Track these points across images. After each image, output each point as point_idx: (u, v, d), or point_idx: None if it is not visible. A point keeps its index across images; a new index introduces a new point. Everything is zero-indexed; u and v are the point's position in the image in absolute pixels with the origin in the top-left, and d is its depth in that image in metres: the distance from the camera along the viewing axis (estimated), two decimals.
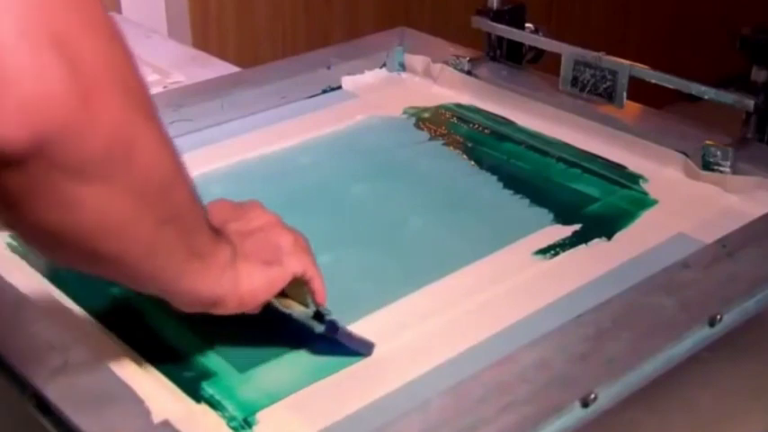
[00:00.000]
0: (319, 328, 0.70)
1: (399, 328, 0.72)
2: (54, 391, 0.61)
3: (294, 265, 0.66)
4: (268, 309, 0.68)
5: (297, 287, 0.69)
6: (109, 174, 0.45)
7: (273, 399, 0.65)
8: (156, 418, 0.60)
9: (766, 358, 0.81)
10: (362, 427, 0.62)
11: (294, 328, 0.70)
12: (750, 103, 0.91)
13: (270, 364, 0.68)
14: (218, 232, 0.60)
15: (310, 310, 0.70)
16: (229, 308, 0.63)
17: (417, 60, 1.17)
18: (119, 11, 1.78)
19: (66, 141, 0.42)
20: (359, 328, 0.72)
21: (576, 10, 2.28)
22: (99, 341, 0.68)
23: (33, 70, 0.40)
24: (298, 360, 0.69)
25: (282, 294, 0.69)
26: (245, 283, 0.62)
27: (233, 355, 0.69)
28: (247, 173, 0.96)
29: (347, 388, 0.66)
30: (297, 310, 0.70)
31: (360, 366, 0.69)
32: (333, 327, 0.70)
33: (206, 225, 0.59)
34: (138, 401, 0.61)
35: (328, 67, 1.14)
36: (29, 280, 0.76)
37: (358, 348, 0.70)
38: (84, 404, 0.61)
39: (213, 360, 0.68)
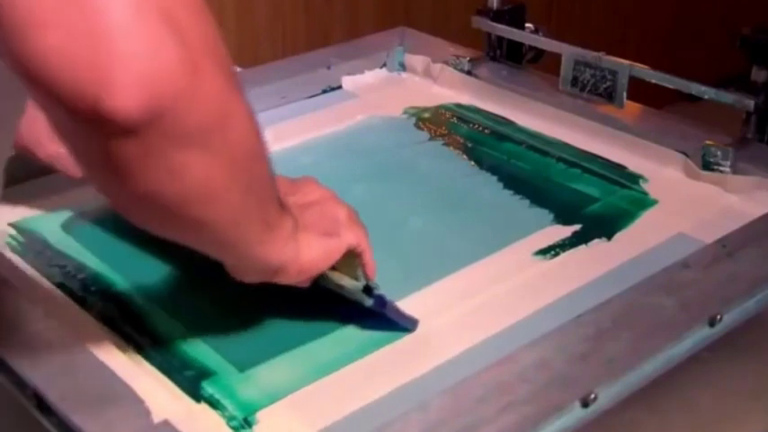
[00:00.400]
0: (368, 301, 0.72)
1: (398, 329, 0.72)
2: (54, 391, 0.62)
3: (350, 237, 0.69)
4: (318, 283, 0.70)
5: (348, 261, 0.70)
6: (210, 142, 0.48)
7: (273, 398, 0.65)
8: (156, 417, 0.60)
9: (766, 358, 0.81)
10: (362, 426, 0.62)
11: (342, 303, 0.72)
12: (750, 103, 0.91)
13: (270, 363, 0.69)
14: (282, 204, 0.62)
15: (360, 284, 0.71)
16: (290, 276, 0.65)
17: (417, 60, 1.17)
18: None
19: (178, 111, 0.44)
20: (356, 326, 0.72)
21: (576, 10, 2.28)
22: (99, 341, 0.68)
23: (149, 45, 0.42)
24: (297, 359, 0.69)
25: (333, 268, 0.70)
26: (305, 253, 0.65)
27: (233, 354, 0.69)
28: None
29: (347, 387, 0.66)
30: (348, 283, 0.71)
31: (359, 365, 0.69)
32: (381, 301, 0.72)
33: (277, 197, 0.61)
34: (137, 401, 0.61)
35: (328, 67, 1.14)
36: (29, 280, 0.76)
37: (404, 323, 0.72)
38: (84, 404, 0.61)
39: (213, 359, 0.68)
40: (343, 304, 0.72)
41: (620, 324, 0.68)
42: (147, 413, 0.60)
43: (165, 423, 0.60)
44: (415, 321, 0.72)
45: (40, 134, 0.77)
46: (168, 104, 0.44)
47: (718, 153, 0.91)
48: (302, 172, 0.95)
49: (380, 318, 0.72)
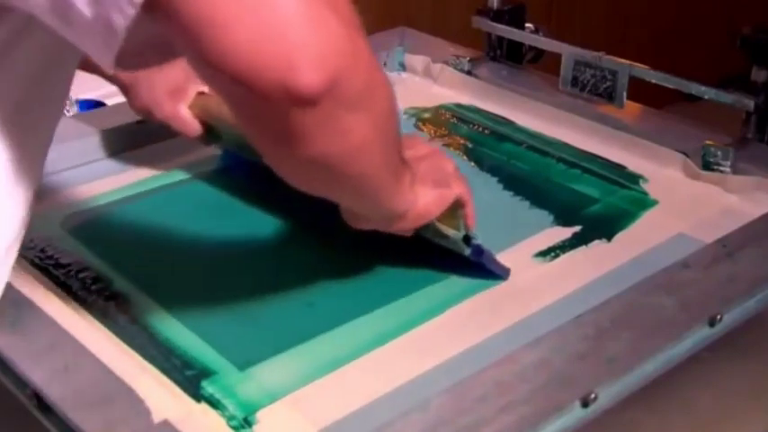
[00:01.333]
0: (467, 250, 0.77)
1: (399, 327, 0.72)
2: (54, 391, 0.62)
3: (459, 187, 0.75)
4: (419, 234, 0.76)
5: (451, 212, 0.75)
6: (367, 104, 0.55)
7: (273, 397, 0.65)
8: (156, 417, 0.60)
9: (766, 358, 0.82)
10: (363, 425, 0.62)
11: (441, 252, 0.78)
12: (750, 103, 0.91)
13: (269, 361, 0.69)
14: (403, 158, 0.68)
15: (461, 234, 0.76)
16: (407, 222, 0.72)
17: (417, 60, 1.17)
18: None
19: (347, 80, 0.51)
20: (361, 324, 0.73)
21: (576, 10, 2.28)
22: (99, 341, 0.68)
23: (322, 29, 0.49)
24: (297, 357, 0.69)
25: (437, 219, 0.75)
26: (421, 201, 0.71)
27: (233, 353, 0.69)
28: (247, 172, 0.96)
29: (347, 386, 0.66)
30: (450, 232, 0.76)
31: (359, 365, 0.69)
32: (479, 250, 0.77)
33: (401, 151, 0.67)
34: (138, 401, 0.61)
35: None
36: (29, 280, 0.76)
37: (499, 272, 0.78)
38: (84, 404, 0.61)
39: (213, 358, 0.69)
40: (438, 254, 0.78)
41: (619, 324, 0.68)
42: (147, 413, 0.60)
43: (165, 423, 0.60)
44: (508, 270, 0.78)
45: (159, 97, 0.87)
46: (340, 76, 0.50)
47: (719, 153, 0.91)
48: None
49: (476, 266, 0.77)
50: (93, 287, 0.76)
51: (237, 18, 0.47)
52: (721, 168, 0.91)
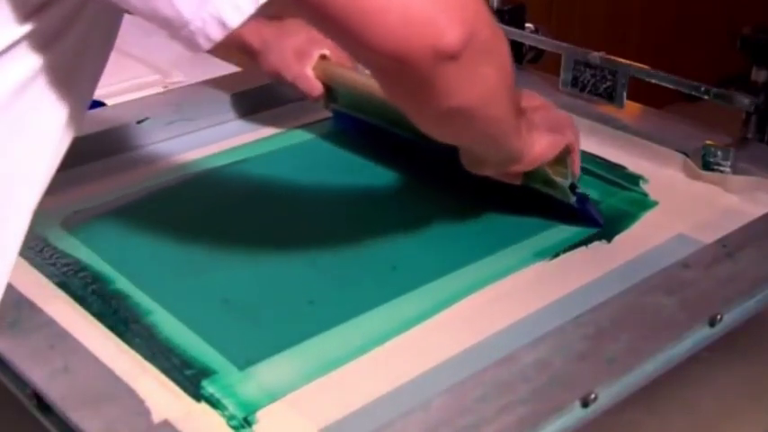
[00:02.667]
0: (572, 198, 0.83)
1: (400, 327, 0.72)
2: (54, 391, 0.62)
3: (570, 135, 0.82)
4: (527, 182, 0.84)
5: (559, 160, 0.81)
6: (495, 55, 0.63)
7: (273, 397, 0.65)
8: (156, 417, 0.60)
9: (766, 358, 0.81)
10: (363, 425, 0.62)
11: (545, 199, 0.85)
12: (750, 103, 0.91)
13: (269, 360, 0.68)
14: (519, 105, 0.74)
15: (567, 181, 0.83)
16: (523, 164, 0.79)
17: None
18: None
19: (479, 32, 0.59)
20: (359, 324, 0.73)
21: (576, 10, 2.28)
22: (99, 341, 0.68)
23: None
24: (297, 356, 0.69)
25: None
26: (536, 144, 0.78)
27: (233, 352, 0.69)
28: (249, 171, 0.96)
29: (348, 385, 0.66)
30: (559, 180, 0.83)
31: (360, 364, 0.68)
32: (584, 198, 0.83)
33: (519, 99, 0.74)
34: (138, 401, 0.61)
35: None
36: (29, 280, 0.76)
37: (599, 219, 0.85)
38: (84, 404, 0.61)
39: (213, 357, 0.68)
40: (544, 201, 0.85)
41: (619, 324, 0.68)
42: (147, 413, 0.60)
43: (165, 423, 0.60)
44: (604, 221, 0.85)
45: (288, 59, 0.96)
46: (474, 29, 0.59)
47: (719, 153, 0.91)
48: (307, 167, 0.97)
49: (580, 212, 0.84)
50: (93, 287, 0.76)
51: (384, 3, 0.54)
52: (721, 168, 0.91)
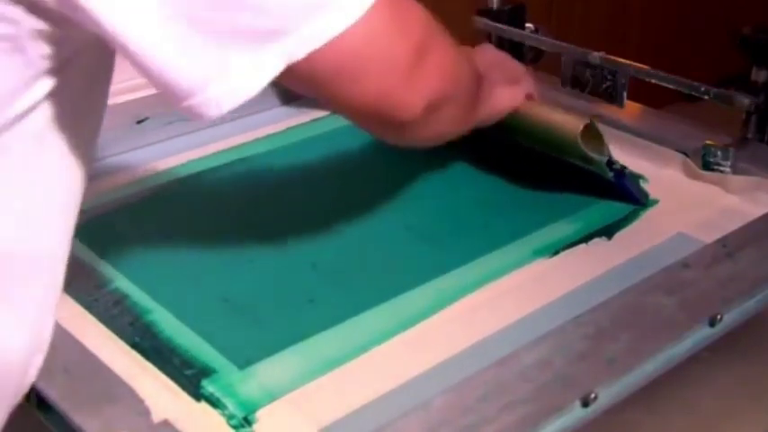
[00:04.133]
0: (609, 174, 0.85)
1: (399, 325, 0.72)
2: (54, 391, 0.62)
3: (527, 84, 0.89)
4: (564, 160, 0.87)
5: (594, 139, 0.85)
6: (454, 101, 0.73)
7: (273, 396, 0.65)
8: (156, 417, 0.60)
9: (766, 358, 0.81)
10: (364, 425, 0.62)
11: (585, 176, 0.88)
12: (750, 103, 0.91)
13: (269, 359, 0.68)
14: (479, 76, 0.80)
15: (604, 158, 0.85)
16: (489, 121, 0.85)
17: None
18: None
19: (440, 98, 0.69)
20: (359, 323, 0.72)
21: (576, 10, 2.28)
22: (99, 340, 0.68)
23: (426, 80, 0.66)
24: (297, 355, 0.69)
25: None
26: (496, 100, 0.84)
27: (232, 352, 0.69)
28: (248, 170, 0.96)
29: (348, 384, 0.66)
30: (596, 156, 0.85)
31: (360, 363, 0.69)
32: (621, 173, 0.86)
33: (476, 85, 0.79)
34: (138, 401, 0.61)
35: None
36: None
37: (638, 195, 0.87)
38: (84, 403, 0.61)
39: (212, 357, 0.69)
40: (585, 177, 0.88)
41: (620, 324, 0.68)
42: (146, 413, 0.60)
43: (165, 423, 0.60)
44: (647, 195, 0.88)
45: None
46: (432, 103, 0.68)
47: (719, 153, 0.91)
48: (308, 165, 0.97)
49: (619, 188, 0.86)
50: (93, 286, 0.76)
51: (368, 76, 0.62)
52: (721, 168, 0.91)
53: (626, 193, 0.88)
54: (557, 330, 0.67)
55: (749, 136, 0.94)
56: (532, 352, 0.65)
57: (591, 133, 0.86)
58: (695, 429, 0.76)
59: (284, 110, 1.09)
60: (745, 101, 0.91)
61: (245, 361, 0.68)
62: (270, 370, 0.68)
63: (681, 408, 0.76)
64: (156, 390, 0.63)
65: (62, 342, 0.66)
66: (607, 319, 0.68)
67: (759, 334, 0.80)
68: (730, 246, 0.77)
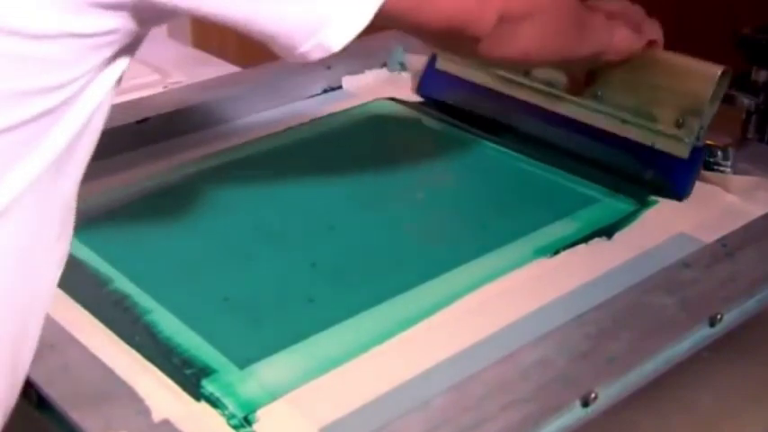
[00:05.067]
0: (691, 141, 0.87)
1: (400, 325, 0.72)
2: (54, 390, 0.61)
3: (650, 29, 0.90)
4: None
5: (716, 96, 0.86)
6: (529, 19, 0.74)
7: (274, 395, 0.65)
8: (157, 416, 0.60)
9: (766, 359, 0.81)
10: (365, 424, 0.61)
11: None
12: (750, 102, 0.91)
13: (270, 359, 0.68)
14: (590, 10, 0.84)
15: (705, 121, 0.87)
16: (611, 54, 0.87)
17: (418, 60, 1.16)
18: None
19: (507, 13, 0.71)
20: (359, 323, 0.72)
21: None
22: (99, 340, 0.68)
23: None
24: (298, 355, 0.69)
25: None
26: (617, 37, 0.86)
27: (232, 351, 0.69)
28: (249, 169, 0.97)
29: (349, 384, 0.66)
30: (683, 134, 0.87)
31: (360, 363, 0.68)
32: (700, 152, 0.88)
33: (580, 12, 0.82)
34: (138, 400, 0.61)
35: (328, 67, 1.13)
36: None
37: (686, 183, 0.89)
38: (84, 402, 0.61)
39: (213, 356, 0.68)
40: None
41: (620, 323, 0.68)
42: (147, 412, 0.60)
43: (166, 422, 0.59)
44: (690, 191, 0.89)
45: None
46: (504, 12, 0.70)
47: (719, 153, 0.91)
48: (311, 154, 0.99)
49: (665, 167, 0.89)
50: (93, 286, 0.76)
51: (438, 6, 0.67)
52: (721, 168, 0.91)
53: (677, 174, 0.89)
54: (557, 330, 0.67)
55: (749, 136, 0.94)
56: (533, 351, 0.65)
57: (721, 85, 0.87)
58: (695, 429, 0.76)
59: (280, 110, 1.09)
60: (745, 101, 0.91)
61: (245, 360, 0.68)
62: (270, 369, 0.67)
63: (681, 408, 0.76)
64: (156, 389, 0.63)
65: (62, 341, 0.66)
66: (608, 318, 0.69)
67: (759, 334, 0.79)
68: (730, 246, 0.77)
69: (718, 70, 0.87)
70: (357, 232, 0.85)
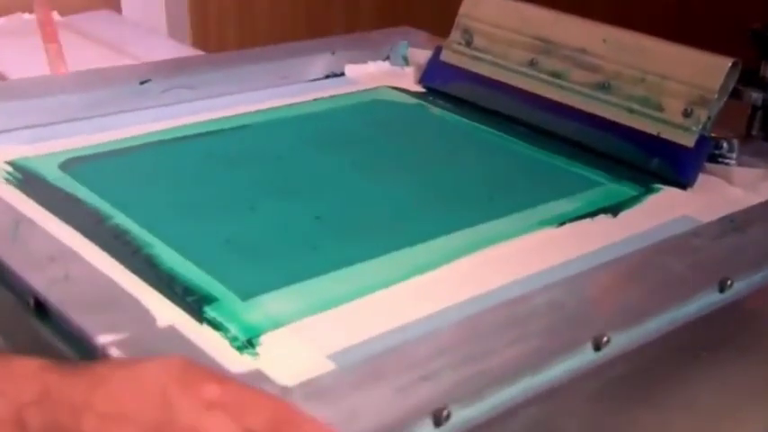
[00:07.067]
0: (698, 130, 0.86)
1: (404, 274, 0.71)
2: (55, 295, 0.59)
3: None
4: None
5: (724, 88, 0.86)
6: None
7: (278, 323, 0.63)
8: (162, 323, 0.58)
9: (766, 357, 0.81)
10: (370, 351, 0.60)
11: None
12: (758, 97, 0.91)
13: (273, 293, 0.67)
14: None
15: (712, 113, 0.86)
16: None
17: (421, 55, 1.16)
18: (119, 10, 1.78)
19: None
20: (363, 268, 0.71)
21: (576, 10, 2.29)
22: (100, 260, 0.66)
23: None
24: (302, 292, 0.68)
25: None
26: None
27: (235, 284, 0.67)
28: (258, 132, 0.96)
29: (354, 319, 0.65)
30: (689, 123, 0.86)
31: (366, 302, 0.67)
32: (706, 141, 0.87)
33: None
34: (142, 309, 0.59)
35: (333, 53, 1.13)
36: (29, 207, 0.74)
37: (691, 172, 0.88)
38: (85, 309, 0.58)
39: (214, 287, 0.66)
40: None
41: (632, 277, 0.67)
42: (152, 319, 0.58)
43: (171, 328, 0.58)
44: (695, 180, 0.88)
45: None
46: None
47: (724, 145, 0.91)
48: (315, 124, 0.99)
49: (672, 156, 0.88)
50: (92, 221, 0.75)
51: None
52: (726, 161, 0.91)
53: (682, 162, 0.88)
54: (569, 278, 0.66)
55: (754, 133, 0.94)
56: (545, 294, 0.64)
57: (731, 77, 0.87)
58: (696, 427, 0.75)
59: (283, 90, 1.08)
60: (753, 95, 0.92)
61: (247, 293, 0.66)
62: (274, 302, 0.66)
63: (681, 406, 0.74)
64: (159, 302, 0.61)
65: (62, 255, 0.64)
66: (619, 272, 0.68)
67: (759, 333, 0.79)
68: (738, 221, 0.77)
69: (728, 62, 0.88)
70: (363, 194, 0.84)
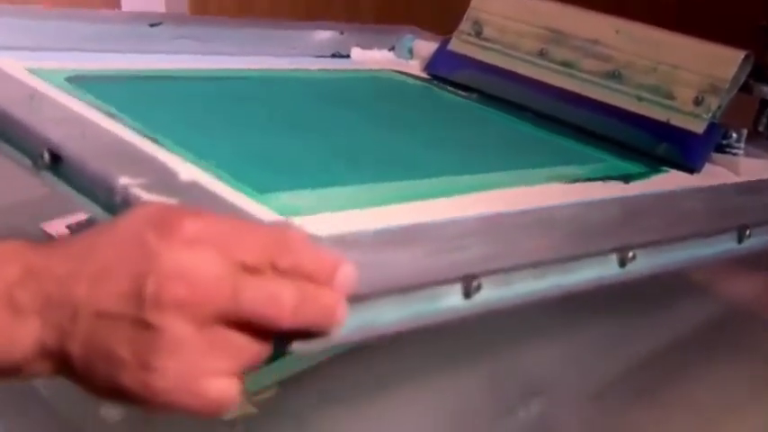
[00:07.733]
0: (708, 118, 0.87)
1: (420, 194, 0.69)
2: (71, 147, 0.57)
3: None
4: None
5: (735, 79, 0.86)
6: None
7: (299, 213, 0.61)
8: (184, 177, 0.56)
9: (767, 356, 0.80)
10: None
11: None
12: (767, 90, 0.92)
13: (288, 192, 0.64)
14: None
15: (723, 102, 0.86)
16: None
17: (427, 48, 1.16)
18: (118, 8, 1.77)
19: None
20: (377, 186, 0.70)
21: (577, 5, 2.31)
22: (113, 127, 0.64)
23: None
24: (318, 194, 0.66)
25: None
26: None
27: (249, 180, 0.64)
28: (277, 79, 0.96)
29: (374, 217, 0.63)
30: (699, 111, 0.87)
31: (383, 210, 0.65)
32: (715, 128, 0.87)
33: None
34: (161, 164, 0.57)
35: (341, 32, 1.13)
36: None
37: (698, 158, 0.87)
38: (105, 160, 0.56)
39: (227, 180, 0.63)
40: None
41: (655, 209, 0.66)
42: (173, 173, 0.56)
43: (194, 184, 0.55)
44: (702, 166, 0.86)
45: None
46: None
47: (733, 135, 0.91)
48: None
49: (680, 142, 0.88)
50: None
51: None
52: (734, 151, 0.91)
53: (690, 148, 0.88)
54: (594, 200, 0.65)
55: (760, 129, 0.94)
56: (570, 208, 0.63)
57: (743, 69, 0.88)
58: (696, 425, 0.74)
59: (289, 60, 1.08)
60: (763, 88, 0.92)
61: (262, 188, 0.64)
62: (290, 198, 0.64)
63: (682, 404, 0.74)
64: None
65: (73, 118, 0.62)
66: (644, 203, 0.67)
67: (759, 333, 0.79)
68: (755, 186, 0.77)
69: (741, 53, 0.89)
70: (378, 142, 0.83)
